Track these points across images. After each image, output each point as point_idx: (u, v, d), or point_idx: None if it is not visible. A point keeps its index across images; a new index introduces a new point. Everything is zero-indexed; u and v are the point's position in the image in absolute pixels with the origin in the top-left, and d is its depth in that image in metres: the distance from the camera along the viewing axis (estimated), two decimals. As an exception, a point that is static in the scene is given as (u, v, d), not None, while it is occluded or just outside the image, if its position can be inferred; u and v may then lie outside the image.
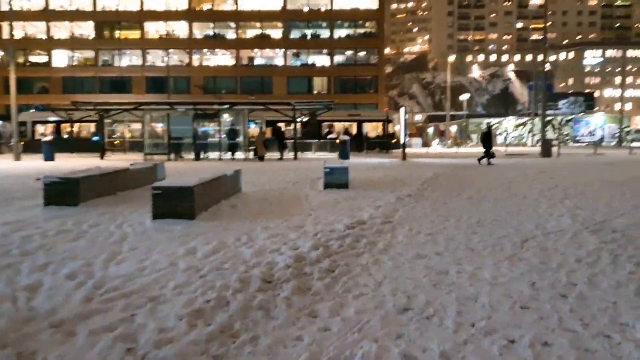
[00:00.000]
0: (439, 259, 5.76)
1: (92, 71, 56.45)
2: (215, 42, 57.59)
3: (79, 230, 7.11)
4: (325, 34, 57.91)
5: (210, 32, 57.87)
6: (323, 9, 57.19)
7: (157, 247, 6.09)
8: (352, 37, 57.45)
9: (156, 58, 57.62)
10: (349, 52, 58.11)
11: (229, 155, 26.32)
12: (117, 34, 57.40)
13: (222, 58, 58.67)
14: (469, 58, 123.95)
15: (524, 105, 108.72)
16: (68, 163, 23.90)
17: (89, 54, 57.56)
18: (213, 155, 26.77)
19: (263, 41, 57.44)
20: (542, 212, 9.02)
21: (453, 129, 62.64)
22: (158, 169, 13.57)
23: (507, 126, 57.30)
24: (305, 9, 57.16)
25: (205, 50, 58.21)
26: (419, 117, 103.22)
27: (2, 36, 54.32)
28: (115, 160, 25.58)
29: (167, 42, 56.59)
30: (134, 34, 57.35)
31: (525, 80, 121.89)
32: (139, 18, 56.49)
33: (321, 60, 58.22)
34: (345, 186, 12.09)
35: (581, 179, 14.79)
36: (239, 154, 26.36)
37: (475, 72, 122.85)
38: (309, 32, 57.66)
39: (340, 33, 57.88)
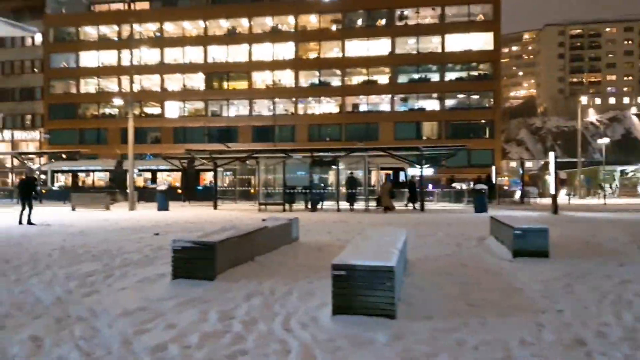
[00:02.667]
0: None
1: (201, 121, 57.30)
2: (321, 89, 56.73)
3: (232, 334, 4.70)
4: (435, 77, 55.39)
5: (316, 80, 57.18)
6: (433, 52, 54.86)
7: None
8: (465, 79, 54.43)
9: (262, 107, 57.63)
10: (461, 96, 55.01)
11: (346, 205, 23.92)
12: (225, 84, 58.22)
13: (327, 105, 57.61)
14: (583, 101, 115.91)
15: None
16: (183, 213, 22.56)
17: (199, 104, 58.67)
18: (327, 205, 24.66)
19: (369, 87, 55.84)
20: None
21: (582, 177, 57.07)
22: (293, 226, 11.26)
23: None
24: (414, 52, 55.13)
25: (310, 98, 57.44)
26: (529, 165, 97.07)
27: (121, 89, 56.71)
28: (228, 210, 24.03)
29: (273, 92, 56.47)
30: (242, 85, 57.90)
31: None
32: (246, 69, 57.05)
33: (431, 104, 55.58)
34: (545, 254, 9.03)
35: None
36: (358, 205, 23.92)
37: (592, 116, 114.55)
38: (417, 76, 55.37)
39: (452, 76, 55.11)
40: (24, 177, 19.00)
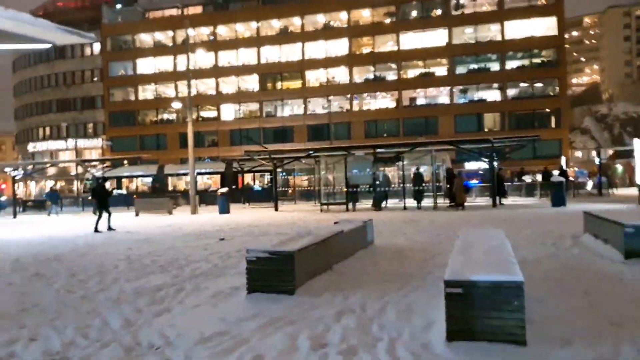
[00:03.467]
0: None
1: (256, 122, 57.32)
2: (376, 84, 55.60)
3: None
4: (495, 66, 53.25)
5: (371, 75, 56.09)
6: (493, 40, 52.77)
7: None
8: (527, 67, 52.02)
9: (316, 106, 57.06)
10: (523, 85, 52.63)
11: (412, 203, 22.84)
12: (279, 84, 57.99)
13: (383, 101, 56.42)
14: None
15: None
16: (244, 216, 22.13)
17: (254, 106, 58.70)
18: (391, 203, 23.66)
19: (427, 79, 54.26)
20: None
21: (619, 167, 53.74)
22: (368, 229, 10.43)
23: None
24: (472, 42, 53.20)
25: (365, 94, 56.39)
26: (593, 154, 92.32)
27: (178, 94, 57.47)
28: (289, 212, 23.44)
29: (327, 89, 55.75)
30: (295, 84, 57.51)
31: None
32: (300, 68, 56.62)
33: (492, 95, 53.46)
34: (664, 255, 7.81)
35: None
36: (425, 202, 22.81)
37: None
38: (477, 66, 53.37)
39: (513, 64, 52.81)
40: (97, 182, 19.02)
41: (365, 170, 22.89)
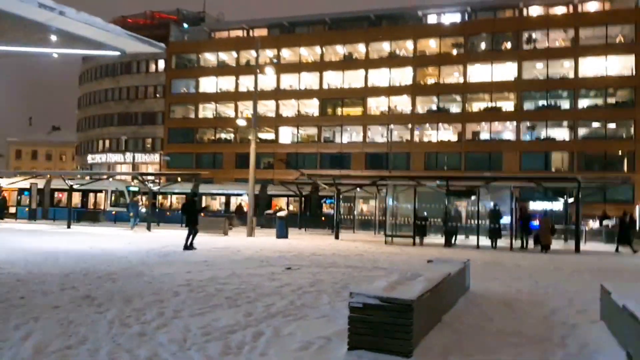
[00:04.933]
0: None
1: (314, 147, 56.44)
2: (439, 115, 53.81)
3: None
4: (566, 104, 50.70)
5: (434, 106, 54.46)
6: (565, 77, 50.38)
7: None
8: (601, 107, 49.21)
9: (376, 134, 55.75)
10: (595, 124, 49.80)
11: (486, 242, 20.97)
12: (339, 110, 57.10)
13: (445, 133, 54.55)
14: None
15: None
16: (303, 242, 20.81)
17: (312, 130, 57.94)
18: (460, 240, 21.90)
19: (492, 113, 52.10)
20: None
21: None
22: (467, 273, 8.89)
23: None
24: (542, 77, 50.94)
25: (427, 124, 54.71)
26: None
27: (237, 114, 57.43)
28: (351, 241, 21.96)
29: (388, 118, 54.30)
30: (356, 111, 56.44)
31: None
32: (362, 94, 55.62)
33: (561, 133, 50.78)
34: None
35: None
36: (501, 242, 20.91)
37: None
38: (546, 103, 50.96)
39: (585, 103, 50.12)
40: (188, 197, 18.50)
41: (436, 202, 21.26)
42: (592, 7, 51.43)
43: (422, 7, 56.99)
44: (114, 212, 35.88)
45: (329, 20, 60.14)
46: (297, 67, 57.62)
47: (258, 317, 6.48)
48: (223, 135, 61.16)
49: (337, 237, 23.17)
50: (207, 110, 62.28)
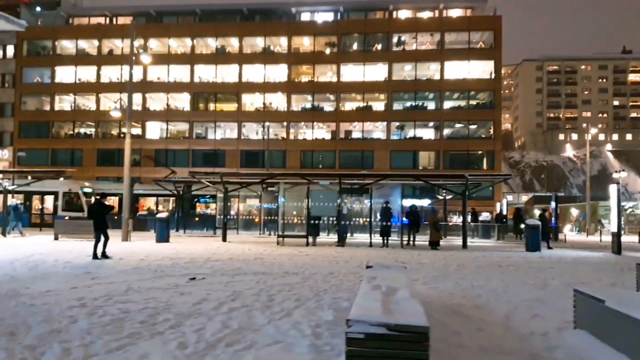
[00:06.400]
0: None
1: (185, 144, 53.79)
2: (314, 114, 53.94)
3: None
4: (432, 105, 53.39)
5: (309, 105, 54.51)
6: (431, 79, 52.95)
7: None
8: (464, 108, 52.51)
9: (251, 131, 54.57)
10: (459, 125, 53.00)
11: (376, 240, 20.80)
12: (212, 105, 54.98)
13: (320, 131, 54.84)
14: (561, 136, 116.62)
15: (625, 188, 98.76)
16: (189, 246, 19.06)
17: (183, 125, 55.21)
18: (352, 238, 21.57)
19: (364, 113, 53.32)
20: None
21: (574, 212, 55.53)
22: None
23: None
24: (411, 79, 53.11)
25: (302, 122, 54.60)
26: (510, 198, 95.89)
27: (99, 107, 52.94)
28: (240, 243, 20.56)
29: (264, 115, 53.37)
30: (230, 106, 54.73)
31: (624, 160, 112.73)
32: (236, 90, 54.04)
33: (428, 133, 53.40)
34: None
35: None
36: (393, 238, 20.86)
37: (569, 152, 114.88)
38: (414, 103, 53.22)
39: (450, 104, 53.17)
40: (95, 198, 15.69)
41: (328, 201, 20.66)
42: (455, 13, 54.59)
43: (295, 3, 56.69)
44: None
45: (199, 12, 57.78)
46: (166, 58, 54.48)
47: (197, 349, 5.13)
48: (83, 130, 56.12)
49: (224, 240, 21.65)
50: (64, 102, 56.80)
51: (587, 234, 41.96)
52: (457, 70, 52.21)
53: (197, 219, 33.63)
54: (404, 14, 55.73)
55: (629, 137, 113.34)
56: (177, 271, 11.56)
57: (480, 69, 52.08)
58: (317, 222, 20.43)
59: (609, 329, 5.26)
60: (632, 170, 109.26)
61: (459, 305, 7.94)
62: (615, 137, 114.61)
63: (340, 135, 53.64)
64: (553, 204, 27.88)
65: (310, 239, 20.26)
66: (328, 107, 54.43)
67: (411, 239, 20.80)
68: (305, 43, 55.27)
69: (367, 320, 3.88)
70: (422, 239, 21.56)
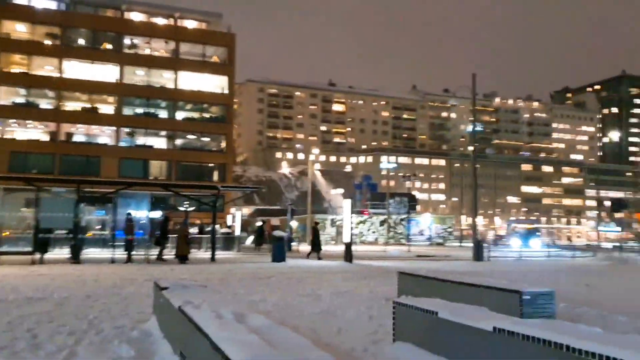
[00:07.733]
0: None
1: None
2: (28, 111, 47.24)
3: None
4: (164, 114, 51.80)
5: (22, 99, 47.59)
6: (165, 87, 51.41)
7: None
8: (197, 120, 52.27)
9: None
10: (192, 136, 52.50)
11: (116, 254, 18.74)
12: None
13: (35, 131, 48.25)
14: (278, 154, 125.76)
15: (329, 203, 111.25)
16: None
17: None
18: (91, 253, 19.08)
19: (90, 115, 48.84)
20: None
21: (294, 224, 60.03)
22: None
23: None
24: (144, 84, 50.75)
25: (12, 120, 47.34)
26: (233, 210, 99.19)
27: None
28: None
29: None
30: None
31: (329, 179, 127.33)
32: None
33: (160, 142, 51.52)
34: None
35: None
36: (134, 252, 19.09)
37: (285, 169, 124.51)
38: (147, 110, 50.93)
39: (183, 114, 52.30)
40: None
41: (63, 211, 17.79)
42: (191, 24, 54.21)
43: (8, -17, 49.14)
44: None
45: None
46: None
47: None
48: None
49: None
50: None
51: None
52: (192, 81, 51.77)
53: None
54: (137, 16, 53.01)
55: (332, 159, 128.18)
56: None
57: (215, 83, 52.63)
58: (46, 235, 17.47)
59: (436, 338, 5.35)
60: (336, 187, 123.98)
61: (295, 327, 7.35)
62: (322, 158, 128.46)
63: (62, 137, 48.04)
64: (289, 216, 29.37)
65: (38, 256, 17.22)
66: (46, 104, 48.27)
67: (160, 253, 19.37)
68: (19, 29, 48.20)
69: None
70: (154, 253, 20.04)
